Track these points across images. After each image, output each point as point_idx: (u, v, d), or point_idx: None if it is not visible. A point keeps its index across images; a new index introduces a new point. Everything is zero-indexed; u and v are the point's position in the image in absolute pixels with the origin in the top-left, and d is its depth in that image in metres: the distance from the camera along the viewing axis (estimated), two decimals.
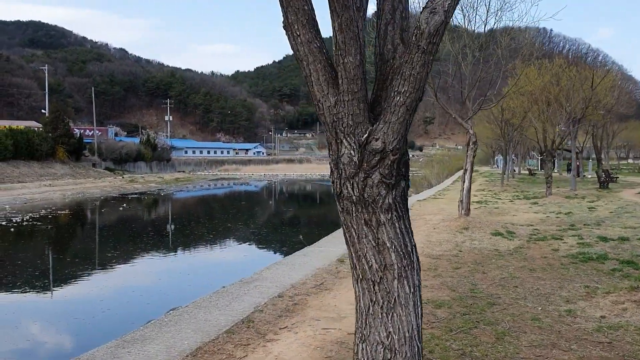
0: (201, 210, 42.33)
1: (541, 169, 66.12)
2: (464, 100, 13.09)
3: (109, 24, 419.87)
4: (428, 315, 6.13)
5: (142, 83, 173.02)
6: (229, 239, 26.11)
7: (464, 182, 13.22)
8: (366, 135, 3.11)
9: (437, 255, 9.53)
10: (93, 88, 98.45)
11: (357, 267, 3.29)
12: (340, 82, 3.10)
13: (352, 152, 3.13)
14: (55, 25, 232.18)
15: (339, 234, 12.24)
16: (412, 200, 22.12)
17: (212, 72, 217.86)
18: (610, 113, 34.75)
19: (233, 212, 40.61)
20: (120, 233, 27.25)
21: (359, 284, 3.26)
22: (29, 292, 12.79)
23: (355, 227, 3.25)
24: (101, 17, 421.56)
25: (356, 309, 3.43)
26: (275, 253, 20.66)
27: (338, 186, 3.27)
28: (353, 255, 3.31)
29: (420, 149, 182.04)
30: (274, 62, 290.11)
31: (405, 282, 3.24)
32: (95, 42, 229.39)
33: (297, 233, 27.49)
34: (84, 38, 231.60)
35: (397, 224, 3.22)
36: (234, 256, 20.52)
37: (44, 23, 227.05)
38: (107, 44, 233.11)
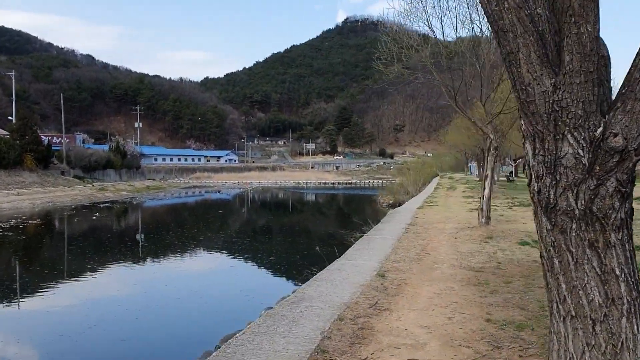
0: (179, 219, 41.19)
1: (516, 175, 66.54)
2: (483, 103, 12.47)
3: (75, 30, 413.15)
4: (515, 339, 5.44)
5: (109, 89, 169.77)
6: (212, 249, 25.32)
7: (483, 189, 12.62)
8: (601, 128, 2.35)
9: (477, 268, 8.85)
10: (62, 95, 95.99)
11: (568, 301, 2.53)
12: (567, 60, 2.32)
13: (579, 151, 2.37)
14: (20, 31, 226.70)
15: (359, 244, 11.52)
16: (408, 207, 21.53)
17: (181, 79, 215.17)
18: None
19: (212, 221, 39.63)
20: (98, 244, 26.08)
21: (567, 322, 2.52)
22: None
23: (574, 250, 2.49)
24: (67, 24, 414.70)
25: (555, 353, 2.66)
26: (262, 264, 19.95)
27: (550, 196, 2.50)
28: (562, 286, 2.55)
29: (391, 157, 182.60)
30: (244, 68, 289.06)
31: (634, 320, 2.50)
32: (62, 48, 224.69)
33: (283, 242, 26.95)
34: (50, 44, 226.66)
35: (627, 246, 2.49)
36: (223, 267, 19.83)
37: (7, 28, 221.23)
38: (73, 50, 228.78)
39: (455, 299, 6.73)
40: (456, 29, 12.33)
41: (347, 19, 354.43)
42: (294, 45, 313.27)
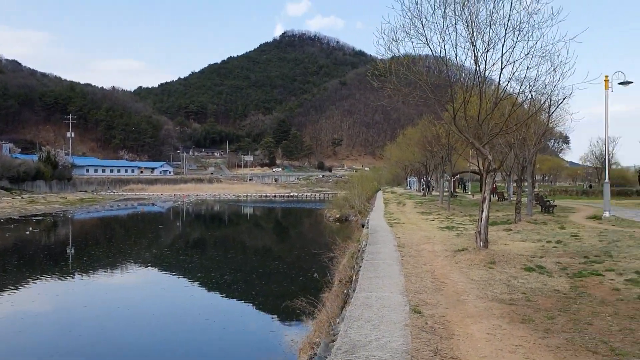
0: (114, 233, 39.61)
1: (454, 190, 67.67)
2: (480, 123, 12.09)
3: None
4: None
5: (38, 97, 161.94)
6: (148, 266, 24.59)
7: (482, 211, 12.19)
8: None
9: (507, 300, 8.34)
10: None
11: None
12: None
13: None
14: None
15: (367, 271, 10.84)
16: (378, 225, 21.03)
17: (114, 88, 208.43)
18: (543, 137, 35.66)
19: (147, 235, 38.26)
20: (28, 259, 24.75)
21: None
22: None
23: None
24: None
25: None
26: (218, 286, 19.25)
27: None
28: None
29: (330, 170, 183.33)
30: (180, 78, 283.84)
31: None
32: None
33: (236, 261, 26.16)
34: None
35: None
36: (161, 287, 19.19)
37: None
38: None
39: (516, 341, 6.14)
40: (455, 47, 11.81)
41: (285, 32, 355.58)
42: (231, 56, 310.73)
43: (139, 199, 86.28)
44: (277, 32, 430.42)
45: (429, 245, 14.73)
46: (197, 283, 20.19)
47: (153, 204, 77.47)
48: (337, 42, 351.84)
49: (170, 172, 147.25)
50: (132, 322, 14.31)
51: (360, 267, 10.50)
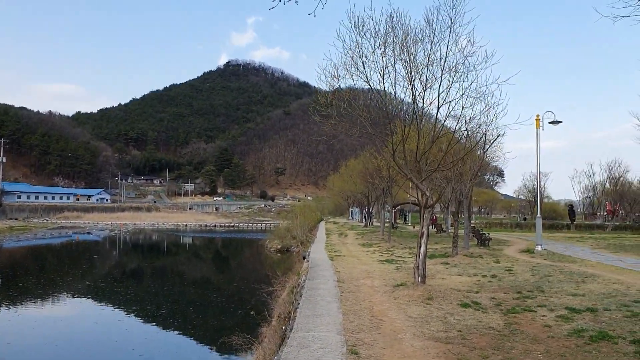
0: (44, 263, 38.21)
1: (395, 221, 68.41)
2: (418, 159, 12.33)
3: None
4: None
5: None
6: (87, 298, 23.77)
7: (419, 246, 12.35)
8: None
9: (443, 339, 8.40)
10: None
11: None
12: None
13: None
14: None
15: (305, 309, 10.73)
16: (319, 258, 20.98)
17: (51, 112, 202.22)
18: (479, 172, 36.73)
19: (80, 266, 36.99)
20: None
21: None
22: None
23: None
24: None
25: None
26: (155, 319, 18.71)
27: None
28: None
29: (273, 199, 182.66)
30: (120, 104, 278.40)
31: None
32: None
33: (173, 293, 25.53)
34: None
35: None
36: (91, 319, 18.54)
37: None
38: None
39: None
40: (394, 86, 12.07)
41: (229, 62, 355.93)
42: (173, 84, 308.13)
43: (74, 227, 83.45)
44: (222, 61, 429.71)
45: (368, 280, 14.76)
46: (132, 315, 19.56)
47: (89, 233, 75.10)
48: (282, 72, 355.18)
49: (107, 200, 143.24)
50: (61, 358, 13.64)
51: (298, 304, 10.39)
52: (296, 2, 5.72)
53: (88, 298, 23.75)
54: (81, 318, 19.30)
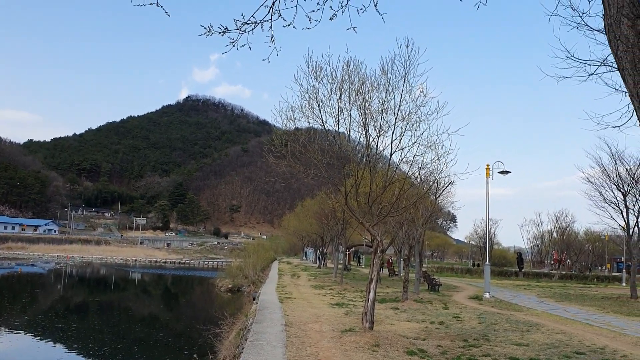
0: None
1: (349, 262, 68.44)
2: (370, 205, 12.45)
3: None
4: None
5: None
6: (26, 334, 22.85)
7: (369, 292, 12.35)
8: None
9: None
10: None
11: None
12: None
13: None
14: None
15: (250, 355, 10.56)
16: (269, 300, 20.70)
17: (1, 139, 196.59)
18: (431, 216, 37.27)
19: (26, 300, 35.63)
20: None
21: None
22: None
23: None
24: None
25: None
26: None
27: None
28: None
29: (226, 237, 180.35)
30: (75, 134, 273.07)
31: None
32: None
33: (115, 332, 24.72)
34: None
35: None
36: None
37: None
38: None
39: None
40: (349, 130, 12.27)
41: (189, 96, 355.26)
42: (131, 116, 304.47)
43: (17, 259, 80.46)
44: (182, 96, 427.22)
45: (317, 324, 14.62)
46: (72, 353, 18.80)
47: (33, 265, 72.52)
48: (242, 109, 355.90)
49: (55, 231, 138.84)
50: None
51: (243, 348, 10.19)
52: (249, 48, 5.79)
53: (26, 334, 22.77)
54: (17, 355, 18.43)
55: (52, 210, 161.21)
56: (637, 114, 2.66)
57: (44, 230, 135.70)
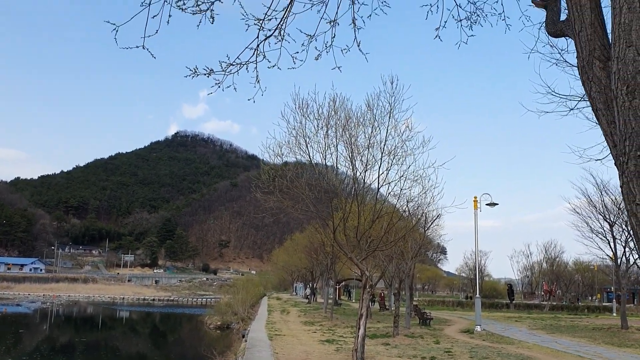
0: None
1: (339, 297, 67.95)
2: (358, 239, 12.47)
3: None
4: None
5: None
6: None
7: (358, 328, 12.27)
8: None
9: None
10: None
11: None
12: None
13: None
14: None
15: None
16: (258, 337, 20.47)
17: None
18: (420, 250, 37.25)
19: (10, 341, 34.86)
20: None
21: None
22: None
23: None
24: None
25: None
26: None
27: None
28: None
29: (215, 272, 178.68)
30: (62, 171, 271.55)
31: None
32: None
33: None
34: None
35: None
36: None
37: None
38: None
39: None
40: (336, 165, 12.36)
41: (177, 132, 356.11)
42: (119, 152, 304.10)
43: (2, 299, 79.12)
44: (171, 132, 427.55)
45: None
46: None
47: (18, 305, 71.36)
48: (231, 145, 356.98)
49: (41, 270, 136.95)
50: None
51: None
52: (235, 89, 5.87)
53: None
54: None
55: (38, 249, 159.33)
56: (611, 153, 2.73)
57: (30, 269, 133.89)
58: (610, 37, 2.94)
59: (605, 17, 3.24)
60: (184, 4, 5.24)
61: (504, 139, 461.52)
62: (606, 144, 2.96)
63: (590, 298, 79.80)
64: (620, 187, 2.61)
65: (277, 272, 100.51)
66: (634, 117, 2.54)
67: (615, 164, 2.66)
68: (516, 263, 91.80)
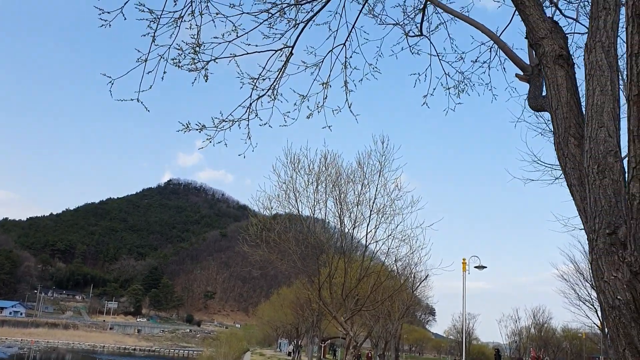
0: None
1: (325, 355, 66.63)
2: (344, 298, 12.39)
3: None
4: None
5: None
6: None
7: None
8: None
9: None
10: None
11: None
12: None
13: None
14: None
15: None
16: None
17: None
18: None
19: None
20: None
21: None
22: None
23: None
24: None
25: None
26: None
27: None
28: None
29: (199, 324, 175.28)
30: (52, 214, 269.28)
31: None
32: None
33: None
34: None
35: None
36: None
37: None
38: None
39: None
40: (325, 221, 12.45)
41: (170, 180, 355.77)
42: (110, 198, 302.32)
43: None
44: (164, 179, 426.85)
45: None
46: None
47: None
48: (223, 194, 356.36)
49: (22, 314, 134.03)
50: None
51: None
52: (225, 144, 5.98)
53: None
54: None
55: (20, 292, 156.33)
56: (584, 228, 2.81)
57: (10, 312, 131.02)
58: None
59: (581, 97, 3.39)
60: (180, 61, 5.40)
61: (493, 203, 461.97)
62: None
63: None
64: (590, 263, 2.68)
65: (261, 327, 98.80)
66: (604, 196, 2.64)
67: (587, 239, 2.74)
68: (504, 327, 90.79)
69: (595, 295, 28.80)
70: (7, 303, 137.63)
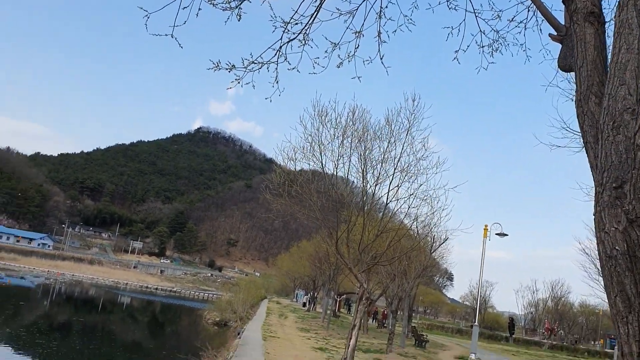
0: None
1: (339, 310, 67.61)
2: (360, 251, 12.56)
3: None
4: None
5: None
6: (5, 347, 22.43)
7: (350, 338, 12.34)
8: None
9: None
10: None
11: None
12: None
13: None
14: None
15: None
16: (252, 337, 20.58)
17: (9, 149, 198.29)
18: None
19: (10, 312, 35.30)
20: None
21: None
22: None
23: None
24: None
25: None
26: None
27: None
28: None
29: (220, 270, 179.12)
30: (82, 152, 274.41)
31: None
32: None
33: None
34: None
35: None
36: None
37: None
38: None
39: None
40: (347, 175, 12.49)
41: (200, 128, 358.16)
42: (141, 140, 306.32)
43: (6, 270, 79.94)
44: (195, 126, 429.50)
45: None
46: None
47: (22, 277, 72.10)
48: (250, 146, 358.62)
49: (49, 246, 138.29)
50: None
51: None
52: (253, 86, 6.04)
53: (6, 346, 22.51)
54: None
55: (49, 225, 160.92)
56: (595, 186, 2.85)
57: (39, 244, 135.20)
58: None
59: (608, 57, 3.37)
60: None
61: (518, 170, 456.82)
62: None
63: (592, 342, 78.73)
64: (593, 215, 2.73)
65: (280, 277, 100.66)
66: (615, 151, 2.67)
67: (594, 193, 2.78)
68: (521, 298, 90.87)
69: None
70: (36, 235, 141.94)
